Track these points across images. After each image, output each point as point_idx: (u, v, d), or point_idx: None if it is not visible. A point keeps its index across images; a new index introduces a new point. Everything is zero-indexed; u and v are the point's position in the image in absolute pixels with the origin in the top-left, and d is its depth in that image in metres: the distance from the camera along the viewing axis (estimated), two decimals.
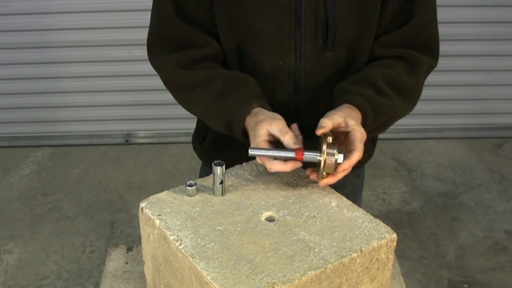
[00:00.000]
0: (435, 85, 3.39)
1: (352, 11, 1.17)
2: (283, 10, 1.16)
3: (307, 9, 1.16)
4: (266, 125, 1.08)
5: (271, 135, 1.08)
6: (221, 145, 1.34)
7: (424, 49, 1.22)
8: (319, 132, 1.04)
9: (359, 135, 1.05)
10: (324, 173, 1.04)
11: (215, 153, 1.30)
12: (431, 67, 1.25)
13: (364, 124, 1.11)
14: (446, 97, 3.58)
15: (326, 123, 1.05)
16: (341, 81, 1.25)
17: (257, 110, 1.13)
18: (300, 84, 1.23)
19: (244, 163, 1.17)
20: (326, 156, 1.02)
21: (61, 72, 3.46)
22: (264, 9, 1.17)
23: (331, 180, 1.06)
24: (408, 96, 1.21)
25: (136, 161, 3.48)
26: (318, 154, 1.03)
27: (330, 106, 1.22)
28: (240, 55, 1.24)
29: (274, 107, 1.26)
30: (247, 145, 1.11)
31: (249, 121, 1.13)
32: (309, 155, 1.04)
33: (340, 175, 1.05)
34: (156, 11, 1.21)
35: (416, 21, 1.19)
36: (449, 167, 3.41)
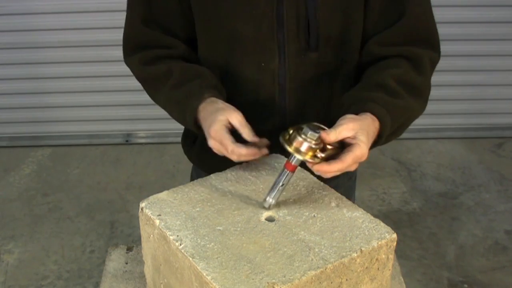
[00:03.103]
0: (435, 85, 3.36)
1: (334, 10, 1.17)
2: (264, 11, 1.16)
3: (288, 10, 1.16)
4: (227, 114, 1.09)
5: (230, 123, 1.09)
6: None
7: (423, 43, 1.20)
8: (322, 134, 1.00)
9: (357, 152, 0.99)
10: (311, 159, 0.98)
11: (207, 155, 1.25)
12: (434, 61, 1.22)
13: (382, 131, 1.08)
14: (446, 97, 3.58)
15: (332, 135, 0.99)
16: (333, 83, 1.25)
17: (212, 99, 1.14)
18: (285, 86, 1.23)
19: (244, 163, 1.17)
20: (297, 154, 0.98)
21: (61, 72, 3.46)
22: (244, 11, 1.17)
23: (321, 167, 1.00)
24: (420, 94, 1.18)
25: (136, 161, 3.48)
26: (293, 156, 0.99)
27: (319, 109, 1.22)
28: (221, 59, 1.24)
29: (259, 109, 1.26)
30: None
31: (206, 108, 1.13)
32: (292, 159, 1.00)
33: (319, 169, 1.00)
34: (127, 17, 1.27)
35: (410, 15, 1.17)
36: (449, 167, 3.41)
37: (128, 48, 1.28)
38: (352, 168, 1.01)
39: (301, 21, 1.16)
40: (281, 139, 1.00)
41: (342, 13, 1.17)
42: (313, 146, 0.97)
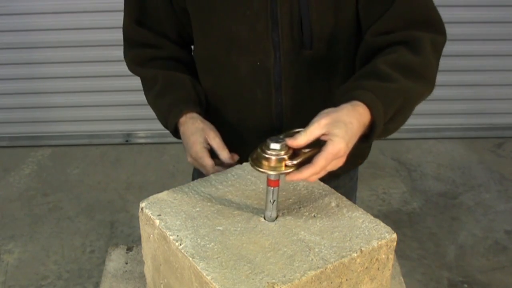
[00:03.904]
0: (435, 85, 3.39)
1: (327, 8, 1.17)
2: (258, 11, 1.17)
3: (282, 8, 1.16)
4: (206, 135, 1.22)
5: (208, 144, 1.23)
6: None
7: (422, 26, 1.14)
8: (288, 141, 0.96)
9: (330, 150, 0.94)
10: (286, 169, 0.96)
11: None
12: (438, 42, 1.16)
13: (375, 118, 1.03)
14: (446, 97, 3.57)
15: (300, 139, 0.95)
16: (330, 80, 1.24)
17: (192, 115, 1.25)
18: (281, 84, 1.23)
19: (244, 163, 1.17)
20: (269, 170, 0.95)
21: (62, 72, 3.46)
22: (238, 12, 1.18)
23: (292, 177, 0.97)
24: (419, 74, 1.12)
25: (136, 161, 3.48)
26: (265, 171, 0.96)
27: (316, 107, 1.21)
28: (217, 59, 1.26)
29: (255, 108, 1.27)
30: (235, 145, 1.24)
31: (186, 124, 1.24)
32: (269, 176, 0.97)
33: (291, 179, 0.96)
34: (124, 14, 1.34)
35: None
36: (449, 167, 3.41)
37: (124, 42, 1.38)
38: (335, 166, 0.97)
39: (294, 19, 1.17)
40: (249, 160, 0.97)
41: (334, 10, 1.17)
42: (282, 156, 0.94)
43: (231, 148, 1.23)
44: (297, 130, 0.99)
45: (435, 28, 1.16)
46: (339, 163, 0.98)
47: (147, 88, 1.36)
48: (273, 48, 1.20)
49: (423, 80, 1.13)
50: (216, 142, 1.22)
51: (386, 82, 1.06)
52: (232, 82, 1.26)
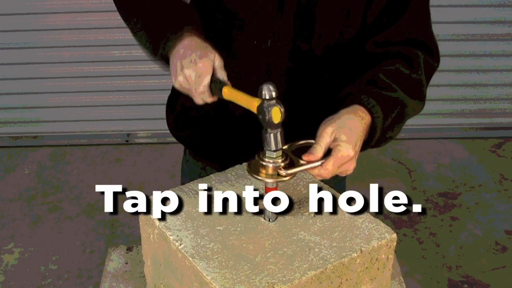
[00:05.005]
0: (435, 85, 3.37)
1: (334, 9, 1.18)
2: None
3: None
4: (215, 53, 1.09)
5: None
6: (188, 118, 1.37)
7: (419, 46, 1.20)
8: (305, 157, 0.99)
9: (338, 155, 0.98)
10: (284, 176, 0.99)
11: (182, 124, 1.38)
12: (431, 65, 1.22)
13: (374, 124, 1.06)
14: (446, 97, 3.57)
15: (318, 152, 0.98)
16: (321, 77, 1.25)
17: (194, 35, 1.12)
18: (272, 68, 1.24)
19: (244, 163, 1.17)
20: (267, 178, 0.97)
21: (62, 72, 3.46)
22: None
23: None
24: (414, 90, 1.16)
25: (136, 161, 3.48)
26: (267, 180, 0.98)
27: (302, 99, 1.23)
28: (215, 26, 1.24)
29: (250, 85, 1.26)
30: (214, 121, 1.26)
31: (191, 36, 1.11)
32: (267, 184, 0.99)
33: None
34: None
35: (408, 19, 1.18)
36: (449, 167, 3.41)
37: None
38: (346, 169, 1.00)
39: (300, 12, 1.18)
40: (247, 168, 0.99)
41: (341, 14, 1.18)
42: (279, 164, 0.96)
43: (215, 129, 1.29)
44: (301, 142, 1.01)
45: (431, 52, 1.22)
46: (350, 166, 1.00)
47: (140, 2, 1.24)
48: (273, 33, 1.20)
49: (417, 95, 1.17)
50: (220, 62, 1.10)
51: (386, 90, 1.10)
52: (226, 55, 1.26)
